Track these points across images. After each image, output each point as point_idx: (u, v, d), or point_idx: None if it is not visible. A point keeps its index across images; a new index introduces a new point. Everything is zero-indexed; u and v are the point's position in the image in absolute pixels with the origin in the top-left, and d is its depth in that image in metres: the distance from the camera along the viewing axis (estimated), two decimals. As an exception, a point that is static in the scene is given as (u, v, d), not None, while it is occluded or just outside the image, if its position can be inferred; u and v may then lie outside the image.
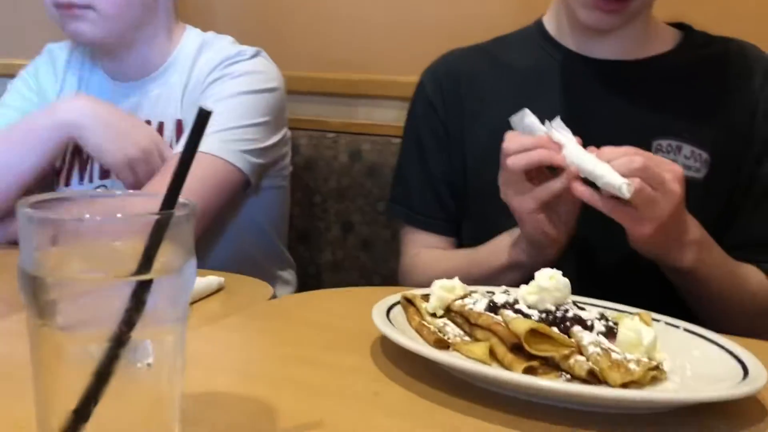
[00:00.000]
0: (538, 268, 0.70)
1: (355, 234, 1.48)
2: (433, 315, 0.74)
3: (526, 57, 1.12)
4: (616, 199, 0.81)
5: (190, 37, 1.27)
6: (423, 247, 1.13)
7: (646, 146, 0.99)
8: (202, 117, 0.41)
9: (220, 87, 1.15)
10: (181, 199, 0.43)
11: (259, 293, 0.90)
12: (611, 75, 1.05)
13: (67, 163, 1.25)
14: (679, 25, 1.10)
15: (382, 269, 1.46)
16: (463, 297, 0.73)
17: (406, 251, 1.16)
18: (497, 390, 0.61)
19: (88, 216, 0.40)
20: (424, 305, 0.74)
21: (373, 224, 1.46)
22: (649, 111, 1.03)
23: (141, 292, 0.42)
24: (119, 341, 0.42)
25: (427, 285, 0.77)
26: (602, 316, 0.69)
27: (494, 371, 0.61)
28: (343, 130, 1.53)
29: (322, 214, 1.50)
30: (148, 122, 1.21)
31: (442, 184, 1.13)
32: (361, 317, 0.72)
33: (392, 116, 1.53)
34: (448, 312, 0.73)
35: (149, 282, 0.42)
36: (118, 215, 0.41)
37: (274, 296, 0.89)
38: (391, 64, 1.53)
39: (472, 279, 0.94)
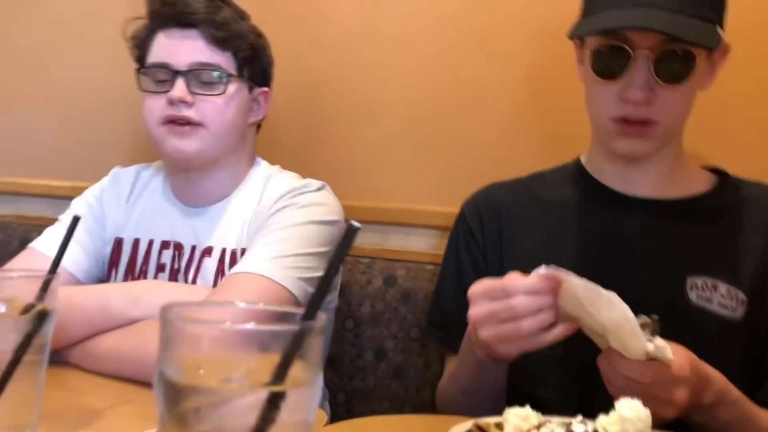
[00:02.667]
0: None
1: (387, 361, 1.46)
2: (508, 444, 0.72)
3: (564, 192, 1.15)
4: None
5: (260, 168, 1.33)
6: None
7: (681, 282, 1.02)
8: (352, 232, 0.42)
9: (285, 215, 1.18)
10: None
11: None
12: (647, 212, 1.08)
13: None
14: (715, 170, 1.15)
15: (414, 399, 1.43)
16: (538, 426, 0.72)
17: (443, 375, 1.15)
18: None
19: (235, 324, 0.40)
20: (498, 434, 0.72)
21: (407, 352, 1.45)
22: (685, 249, 1.05)
23: (275, 403, 0.41)
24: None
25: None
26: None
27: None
28: (377, 256, 1.55)
29: (354, 340, 1.49)
30: (211, 248, 1.24)
31: None
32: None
33: (426, 244, 1.55)
34: (523, 441, 0.72)
35: (283, 393, 0.42)
36: (261, 325, 0.41)
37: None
38: (426, 195, 1.57)
39: (459, 386, 0.94)
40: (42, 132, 1.94)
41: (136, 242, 1.29)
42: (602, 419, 0.69)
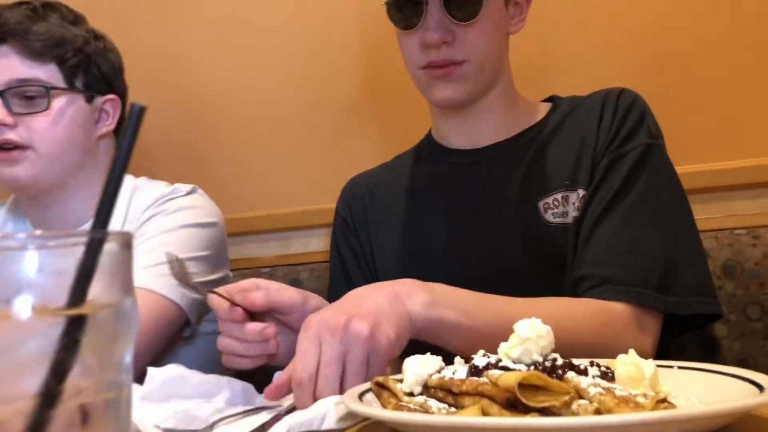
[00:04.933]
0: None
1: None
2: (410, 394, 0.66)
3: (419, 164, 1.20)
4: None
5: (123, 183, 1.23)
6: None
7: (534, 209, 1.04)
8: (135, 113, 0.36)
9: (155, 223, 1.10)
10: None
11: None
12: (492, 157, 1.11)
13: None
14: (552, 99, 1.16)
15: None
16: (439, 370, 0.66)
17: None
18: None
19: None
20: (398, 386, 0.66)
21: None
22: (530, 177, 1.07)
23: (74, 330, 0.34)
24: (50, 398, 0.34)
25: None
26: (593, 363, 0.63)
27: (507, 420, 0.53)
28: (279, 263, 1.48)
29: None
30: None
31: None
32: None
33: (328, 243, 1.49)
34: (427, 389, 0.66)
35: (83, 318, 0.34)
36: (40, 232, 0.34)
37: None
38: (322, 194, 1.52)
39: None
40: None
41: None
42: (503, 346, 0.64)
